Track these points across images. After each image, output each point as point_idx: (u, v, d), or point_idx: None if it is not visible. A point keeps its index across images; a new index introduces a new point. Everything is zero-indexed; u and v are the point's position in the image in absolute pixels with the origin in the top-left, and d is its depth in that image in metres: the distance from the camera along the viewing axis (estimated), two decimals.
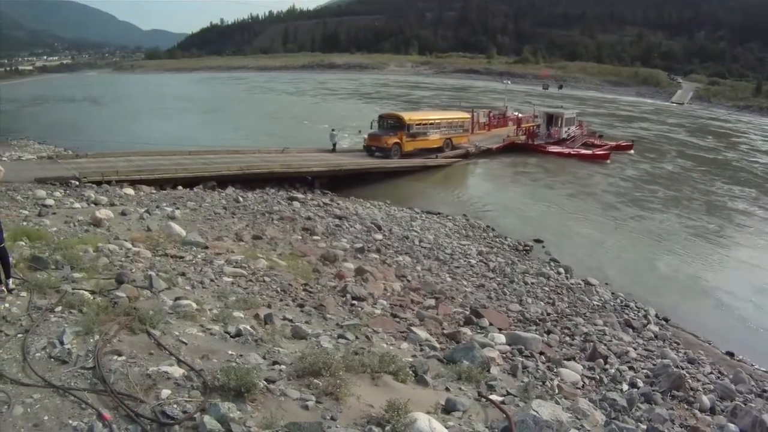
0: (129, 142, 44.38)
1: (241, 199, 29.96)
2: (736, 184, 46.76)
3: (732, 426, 12.49)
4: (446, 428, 7.45)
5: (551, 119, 58.89)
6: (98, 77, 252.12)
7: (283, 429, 6.83)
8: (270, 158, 40.21)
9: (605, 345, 17.03)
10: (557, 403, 9.71)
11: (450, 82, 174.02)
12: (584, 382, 14.11)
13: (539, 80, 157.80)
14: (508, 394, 10.03)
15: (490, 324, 16.83)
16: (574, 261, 26.28)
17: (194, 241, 18.28)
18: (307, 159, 41.40)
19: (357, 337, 12.27)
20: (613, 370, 15.18)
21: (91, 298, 10.67)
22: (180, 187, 30.99)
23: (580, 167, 49.89)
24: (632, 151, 57.90)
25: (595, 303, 21.27)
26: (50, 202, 22.52)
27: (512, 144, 55.91)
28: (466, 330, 15.91)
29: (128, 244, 16.47)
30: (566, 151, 54.27)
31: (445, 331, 15.47)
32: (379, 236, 25.95)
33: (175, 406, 7.10)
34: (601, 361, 15.68)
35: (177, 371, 7.95)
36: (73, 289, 11.03)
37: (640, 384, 14.47)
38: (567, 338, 17.47)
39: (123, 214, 21.76)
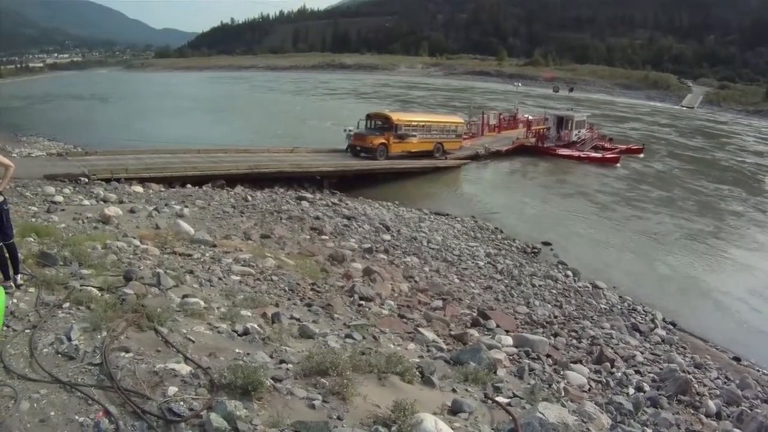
0: (138, 140, 44.52)
1: (249, 198, 29.96)
2: (747, 190, 46.61)
3: (738, 431, 12.46)
4: (452, 429, 7.43)
5: (561, 122, 58.75)
6: (108, 75, 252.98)
7: (289, 428, 6.81)
8: (279, 158, 40.22)
9: (612, 348, 16.96)
10: (563, 405, 9.69)
11: (454, 83, 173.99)
12: (591, 386, 14.05)
13: (549, 83, 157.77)
14: (515, 396, 10.01)
15: (497, 326, 16.78)
16: (582, 264, 26.22)
17: (203, 240, 18.28)
18: (316, 159, 41.44)
19: (364, 337, 12.25)
20: (619, 374, 15.12)
21: (99, 294, 10.66)
22: (189, 186, 31.06)
23: (590, 170, 49.80)
24: (642, 155, 57.67)
25: (602, 306, 21.19)
26: (59, 198, 22.54)
27: (522, 146, 55.74)
28: (473, 331, 15.87)
29: (137, 242, 16.47)
30: (576, 154, 54.13)
31: (452, 333, 15.44)
32: (387, 237, 25.93)
33: (181, 403, 7.08)
34: (608, 364, 15.62)
35: (184, 369, 7.94)
36: (81, 285, 11.03)
37: (647, 388, 14.40)
38: (574, 341, 17.40)
39: (132, 211, 21.76)
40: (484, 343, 13.91)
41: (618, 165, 52.16)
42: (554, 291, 22.05)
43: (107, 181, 28.38)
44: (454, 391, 9.50)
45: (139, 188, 28.04)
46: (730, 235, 33.54)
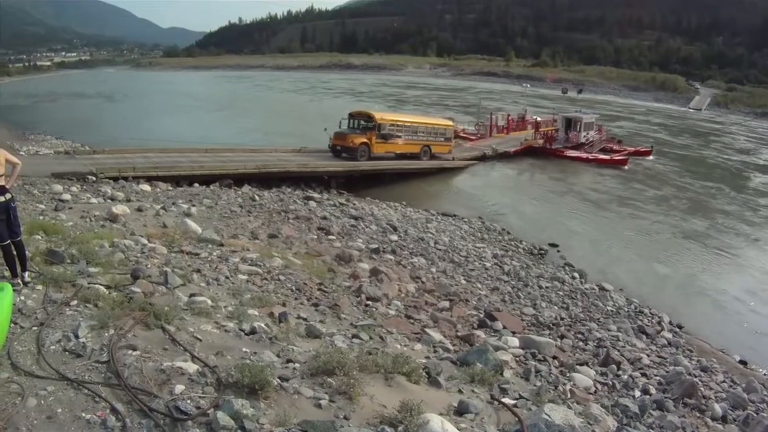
0: (146, 138, 44.43)
1: (257, 197, 29.99)
2: (757, 194, 46.52)
3: None
4: (459, 430, 7.41)
5: (570, 123, 58.55)
6: (116, 74, 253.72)
7: (296, 427, 6.80)
8: (286, 157, 40.28)
9: (618, 351, 16.91)
10: (569, 407, 9.68)
11: (455, 83, 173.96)
12: (597, 388, 14.03)
13: (557, 84, 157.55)
14: (521, 397, 9.97)
15: (504, 327, 16.76)
16: (589, 266, 26.15)
17: (210, 239, 18.30)
18: (323, 158, 41.28)
19: (371, 338, 12.27)
20: (625, 377, 15.09)
21: (107, 292, 10.68)
22: (196, 185, 31.11)
23: (598, 172, 49.64)
24: (651, 157, 57.47)
25: (609, 308, 21.12)
26: (67, 196, 22.64)
27: (530, 147, 55.57)
28: (480, 333, 15.86)
29: (144, 240, 16.49)
30: (584, 155, 53.93)
31: (458, 334, 15.45)
32: (394, 237, 25.91)
33: (188, 401, 7.10)
34: (614, 366, 15.59)
35: (191, 367, 7.96)
36: (88, 283, 11.05)
37: (653, 391, 14.37)
38: (580, 343, 17.37)
39: (139, 210, 21.79)
40: (491, 344, 13.95)
41: (626, 167, 51.93)
42: (561, 293, 21.98)
43: (115, 179, 28.49)
44: (460, 392, 9.49)
45: (146, 187, 28.12)
46: (738, 238, 33.43)
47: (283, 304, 13.50)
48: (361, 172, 39.82)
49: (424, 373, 9.58)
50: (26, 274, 10.74)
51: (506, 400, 9.30)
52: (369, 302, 16.14)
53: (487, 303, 19.26)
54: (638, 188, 44.87)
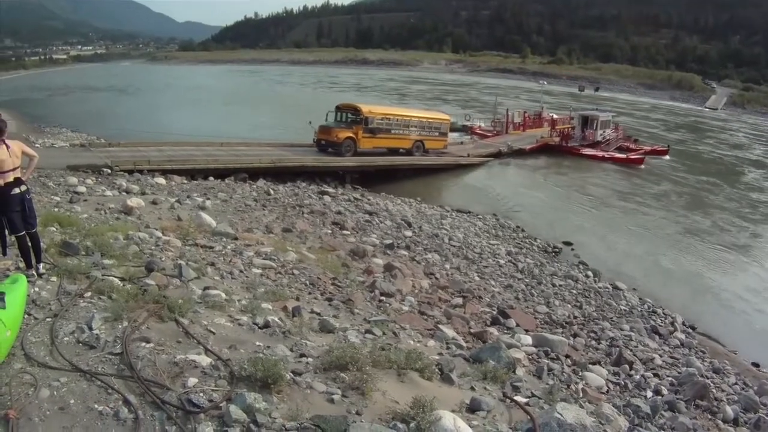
0: (160, 132, 44.39)
1: (272, 191, 30.06)
2: None
3: None
4: (471, 427, 7.38)
5: (586, 121, 58.34)
6: (131, 67, 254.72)
7: (308, 422, 6.76)
8: (301, 151, 40.20)
9: (631, 351, 16.83)
10: (581, 407, 9.63)
11: (464, 79, 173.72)
12: (609, 387, 13.98)
13: (573, 81, 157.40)
14: (533, 395, 9.92)
15: (517, 325, 16.73)
16: (603, 265, 26.07)
17: (224, 232, 18.32)
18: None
19: (384, 333, 12.23)
20: (638, 377, 15.02)
21: (121, 285, 10.69)
22: (211, 178, 31.14)
23: (614, 171, 49.45)
24: (668, 157, 57.19)
25: (622, 308, 21.03)
26: (82, 189, 22.67)
27: (546, 145, 55.55)
28: (493, 330, 15.83)
29: (158, 233, 16.51)
30: (600, 154, 53.72)
31: (471, 331, 15.40)
32: (408, 233, 25.91)
33: (201, 394, 7.09)
34: (627, 366, 15.52)
35: (204, 360, 7.96)
36: (102, 275, 11.06)
37: (665, 391, 14.29)
38: (593, 342, 17.31)
39: (154, 203, 21.84)
40: (504, 341, 13.88)
41: (642, 166, 51.68)
42: (574, 291, 21.93)
43: (130, 172, 28.55)
44: (472, 389, 9.44)
45: (161, 180, 28.19)
46: (755, 239, 33.29)
47: (297, 299, 13.51)
48: (375, 168, 39.74)
49: (436, 370, 9.55)
50: (41, 265, 10.75)
51: (518, 398, 9.25)
52: (383, 298, 16.12)
53: (500, 300, 19.24)
54: (654, 188, 44.70)
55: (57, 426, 6.40)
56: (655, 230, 33.20)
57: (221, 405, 6.91)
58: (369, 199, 32.31)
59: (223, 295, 11.38)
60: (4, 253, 10.87)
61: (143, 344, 8.21)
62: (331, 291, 15.60)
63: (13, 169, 10.08)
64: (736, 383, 16.23)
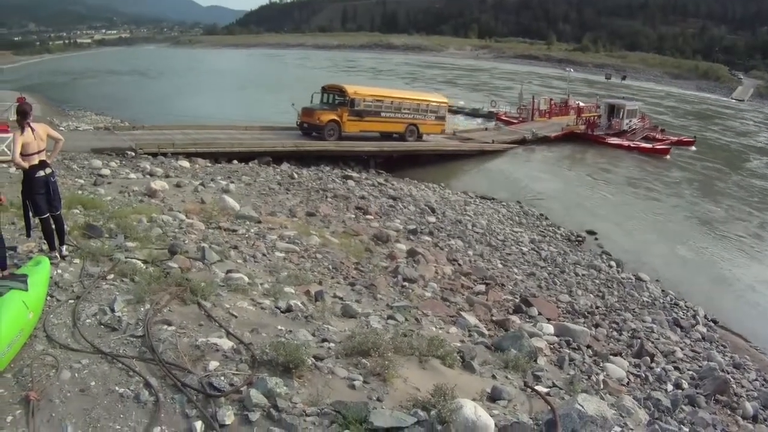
0: (185, 115, 44.42)
1: (295, 175, 30.05)
2: None
3: None
4: (491, 416, 7.31)
5: (613, 110, 57.90)
6: (156, 51, 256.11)
7: (328, 407, 6.76)
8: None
9: (652, 343, 16.67)
10: (602, 398, 9.55)
11: (478, 64, 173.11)
12: (629, 379, 13.82)
13: (599, 69, 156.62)
14: (554, 386, 9.84)
15: (539, 313, 16.59)
16: (626, 255, 25.88)
17: (248, 215, 18.31)
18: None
19: (406, 319, 12.18)
20: (658, 369, 14.85)
21: (144, 267, 10.74)
22: (235, 162, 31.09)
23: (639, 161, 48.96)
24: (694, 147, 56.40)
25: (644, 299, 20.85)
26: (106, 171, 22.73)
27: (571, 133, 55.13)
28: (515, 318, 15.72)
29: (182, 216, 16.55)
30: (626, 143, 53.15)
31: (494, 318, 15.30)
32: (432, 219, 25.81)
33: (222, 378, 7.12)
34: (648, 359, 15.36)
35: (226, 343, 7.98)
36: (125, 257, 11.12)
37: (685, 385, 14.12)
38: (615, 333, 17.15)
39: (178, 186, 21.90)
40: (526, 330, 13.80)
41: (668, 156, 51.11)
42: (597, 281, 21.78)
43: (154, 155, 28.59)
44: (494, 377, 9.38)
45: (185, 163, 28.21)
46: None
47: (320, 283, 13.48)
48: (400, 153, 39.56)
49: (458, 357, 9.50)
50: (64, 247, 10.83)
51: (539, 388, 9.18)
52: (405, 283, 16.04)
53: (523, 288, 19.12)
54: (680, 179, 44.27)
55: (77, 408, 6.44)
56: (680, 222, 32.93)
57: (242, 389, 6.92)
58: (393, 184, 32.24)
59: (246, 278, 11.39)
60: (28, 235, 10.96)
61: (165, 327, 8.25)
62: (354, 276, 15.57)
63: (38, 152, 10.14)
64: (756, 379, 16.02)
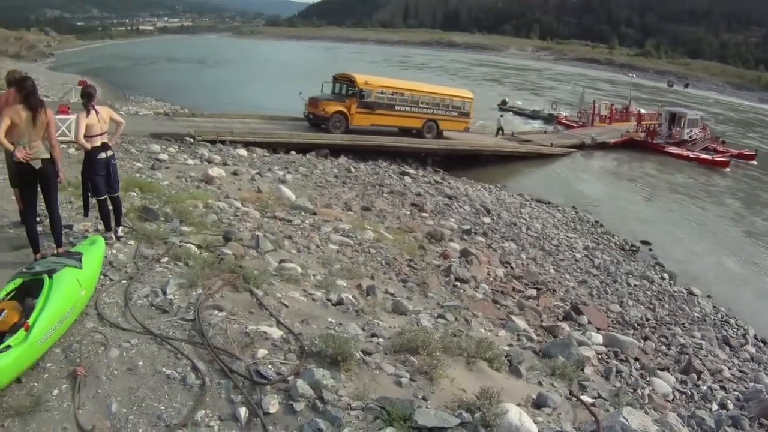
0: (244, 104, 44.47)
1: (352, 169, 30.17)
2: None
3: None
4: (535, 423, 7.21)
5: (674, 119, 57.12)
6: (217, 41, 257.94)
7: (374, 402, 6.71)
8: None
9: (700, 360, 16.30)
10: (647, 413, 9.37)
11: (530, 64, 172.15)
12: (675, 396, 13.49)
13: (661, 76, 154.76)
14: (599, 396, 9.70)
15: (589, 322, 16.39)
16: (679, 267, 25.40)
17: (303, 206, 18.35)
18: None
19: (456, 319, 12.10)
20: (705, 388, 14.48)
21: (198, 252, 10.85)
22: (293, 152, 31.28)
23: (698, 172, 48.07)
24: (755, 162, 55.11)
25: (695, 314, 20.42)
26: (164, 156, 22.91)
27: (631, 140, 54.41)
28: (564, 325, 15.51)
29: (238, 204, 16.66)
30: (685, 153, 52.27)
31: (543, 324, 15.15)
32: (487, 220, 25.69)
33: (269, 366, 7.11)
34: (695, 376, 15.01)
35: (276, 332, 7.98)
36: (180, 242, 11.24)
37: (730, 406, 13.71)
38: (663, 347, 16.82)
39: (235, 174, 21.99)
40: (575, 338, 13.64)
41: (727, 169, 50.03)
42: (649, 293, 21.42)
43: (212, 142, 28.85)
44: (539, 384, 9.23)
45: (243, 152, 28.39)
46: None
47: (372, 278, 13.48)
48: (459, 152, 39.15)
49: (505, 361, 9.34)
50: (120, 229, 10.98)
51: (585, 398, 9.06)
52: (457, 283, 15.97)
53: (574, 295, 18.93)
54: (739, 192, 43.39)
55: (123, 386, 6.52)
56: (735, 237, 32.25)
57: (289, 379, 6.91)
58: (449, 183, 32.14)
59: (299, 269, 11.42)
60: (86, 215, 11.12)
61: (216, 312, 8.28)
62: (406, 272, 15.52)
63: (101, 134, 10.30)
64: None
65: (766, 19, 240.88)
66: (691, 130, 56.66)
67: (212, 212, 14.71)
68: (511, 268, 19.97)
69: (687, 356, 16.15)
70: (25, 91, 8.86)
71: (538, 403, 8.24)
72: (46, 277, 7.17)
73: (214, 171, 20.55)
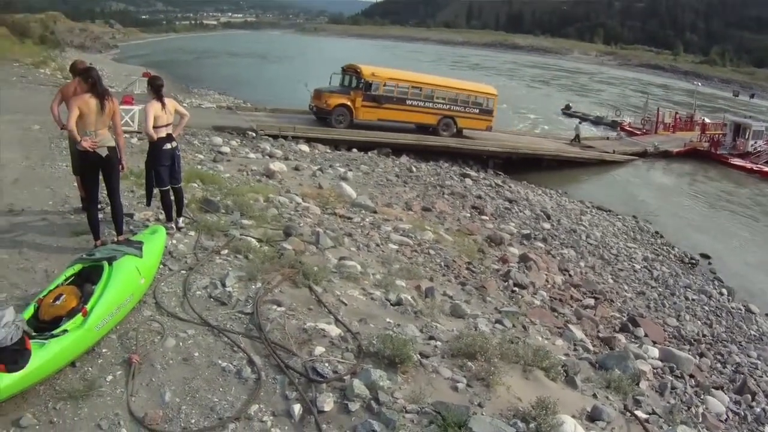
0: (304, 101, 44.17)
1: (414, 169, 30.08)
2: None
3: None
4: None
5: (738, 130, 56.05)
6: (281, 37, 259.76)
7: (429, 406, 6.64)
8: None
9: (755, 380, 15.84)
10: None
11: (583, 67, 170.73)
12: (728, 416, 13.18)
13: (726, 85, 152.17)
14: (653, 413, 9.48)
15: (645, 335, 16.10)
16: (738, 283, 24.68)
17: (364, 204, 18.36)
18: (488, 137, 39.77)
19: (514, 325, 11.97)
20: (758, 409, 14.02)
21: (258, 246, 10.89)
22: (355, 150, 31.35)
23: (762, 185, 47.32)
24: None
25: (752, 333, 19.77)
26: (226, 149, 23.09)
27: (693, 150, 53.45)
28: (621, 337, 15.25)
29: (298, 199, 16.69)
30: (749, 165, 51.02)
31: (600, 335, 14.94)
32: (547, 225, 25.42)
33: (326, 364, 7.08)
34: (749, 396, 14.59)
35: (334, 330, 7.96)
36: (240, 234, 11.29)
37: None
38: (718, 365, 16.38)
39: (296, 169, 22.07)
40: (632, 351, 13.43)
41: None
42: (706, 308, 20.89)
43: (274, 137, 29.01)
44: (594, 396, 9.03)
45: (305, 147, 28.45)
46: None
47: (431, 279, 13.43)
48: (520, 155, 38.63)
49: (562, 371, 9.21)
50: (181, 219, 11.09)
51: (639, 414, 8.87)
52: (515, 288, 15.86)
53: (631, 307, 18.63)
54: None
55: (178, 375, 6.57)
56: None
57: (345, 378, 6.88)
58: (510, 187, 31.90)
59: (359, 267, 11.39)
60: (148, 204, 11.24)
61: (274, 307, 8.30)
62: (465, 275, 15.42)
63: (166, 125, 10.42)
64: None
65: None
66: (755, 142, 55.54)
67: (273, 206, 14.76)
68: (570, 275, 19.75)
69: (742, 376, 15.72)
70: (91, 80, 8.95)
71: (593, 416, 8.11)
72: (105, 264, 7.28)
73: (276, 165, 20.63)
